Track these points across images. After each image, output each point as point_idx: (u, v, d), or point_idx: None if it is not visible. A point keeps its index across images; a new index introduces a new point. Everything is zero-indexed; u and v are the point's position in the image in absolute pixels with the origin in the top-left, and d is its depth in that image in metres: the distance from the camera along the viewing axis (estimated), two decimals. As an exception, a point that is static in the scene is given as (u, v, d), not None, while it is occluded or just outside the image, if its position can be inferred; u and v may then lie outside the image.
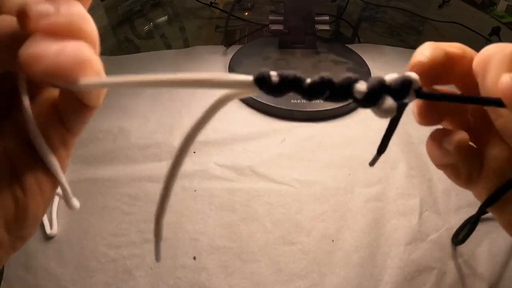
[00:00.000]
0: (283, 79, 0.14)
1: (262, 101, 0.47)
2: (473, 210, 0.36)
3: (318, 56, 0.56)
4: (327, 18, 0.57)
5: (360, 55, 0.57)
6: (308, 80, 0.14)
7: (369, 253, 0.33)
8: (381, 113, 0.14)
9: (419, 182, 0.39)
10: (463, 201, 0.37)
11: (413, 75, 0.14)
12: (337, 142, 0.44)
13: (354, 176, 0.39)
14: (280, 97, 0.14)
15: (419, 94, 0.14)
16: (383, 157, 0.44)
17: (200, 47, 0.62)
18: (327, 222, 0.35)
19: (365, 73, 0.53)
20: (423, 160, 0.42)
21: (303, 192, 0.38)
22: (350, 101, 0.15)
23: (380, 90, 0.14)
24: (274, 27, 0.57)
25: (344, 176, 0.39)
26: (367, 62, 0.55)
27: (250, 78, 0.14)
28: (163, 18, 0.74)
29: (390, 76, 0.15)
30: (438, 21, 0.71)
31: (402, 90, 0.14)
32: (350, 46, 0.60)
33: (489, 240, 0.34)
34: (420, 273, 0.32)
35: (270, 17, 0.57)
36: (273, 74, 0.14)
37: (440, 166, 0.21)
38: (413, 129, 0.46)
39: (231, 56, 0.56)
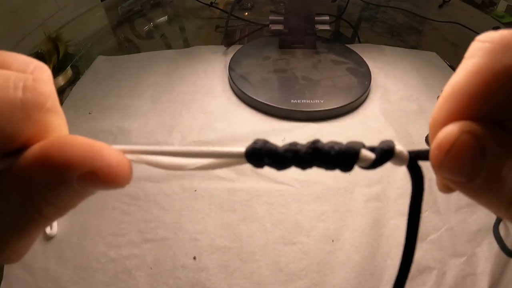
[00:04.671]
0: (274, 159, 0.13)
1: (262, 101, 0.47)
2: (473, 210, 0.36)
3: (318, 56, 0.56)
4: (327, 18, 0.57)
5: (360, 55, 0.57)
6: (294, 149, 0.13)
7: (369, 253, 0.33)
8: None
9: (419, 182, 0.39)
10: (463, 201, 0.37)
11: (398, 148, 0.13)
12: (337, 142, 0.44)
13: (354, 176, 0.39)
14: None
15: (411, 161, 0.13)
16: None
17: (200, 47, 0.62)
18: (327, 222, 0.35)
19: (365, 73, 0.53)
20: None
21: (303, 192, 0.38)
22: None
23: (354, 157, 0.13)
24: (274, 27, 0.57)
25: (344, 176, 0.39)
26: (367, 62, 0.55)
27: (242, 152, 0.13)
28: (163, 18, 0.74)
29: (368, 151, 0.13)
30: (438, 21, 0.71)
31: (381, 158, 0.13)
32: (350, 46, 0.60)
33: (489, 240, 0.34)
34: (420, 273, 0.32)
35: (270, 17, 0.57)
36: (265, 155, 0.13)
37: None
38: (413, 129, 0.46)
39: (231, 56, 0.56)
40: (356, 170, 0.13)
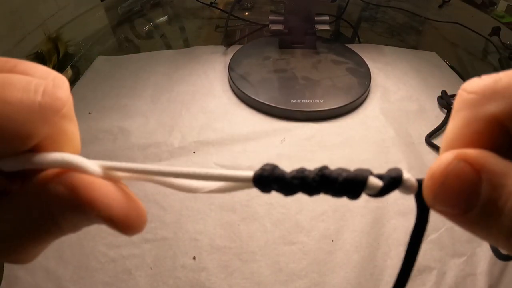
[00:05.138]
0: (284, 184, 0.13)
1: (262, 101, 0.47)
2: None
3: (318, 56, 0.56)
4: (327, 18, 0.57)
5: (360, 55, 0.57)
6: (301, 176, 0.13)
7: (369, 253, 0.33)
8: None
9: (419, 182, 0.39)
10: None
11: (406, 176, 0.13)
12: (337, 142, 0.44)
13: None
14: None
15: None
16: (383, 157, 0.44)
17: (200, 47, 0.62)
18: (327, 222, 0.35)
19: (365, 73, 0.53)
20: (423, 160, 0.42)
21: (303, 192, 0.38)
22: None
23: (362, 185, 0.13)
24: (274, 27, 0.57)
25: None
26: (367, 62, 0.55)
27: (250, 177, 0.13)
28: (163, 18, 0.75)
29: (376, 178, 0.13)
30: (438, 21, 0.71)
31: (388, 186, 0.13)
32: (350, 46, 0.60)
33: (489, 240, 0.34)
34: (420, 273, 0.32)
35: (270, 17, 0.57)
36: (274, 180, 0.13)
37: None
38: (413, 129, 0.46)
39: (231, 56, 0.56)
40: None
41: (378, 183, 0.13)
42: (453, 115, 0.13)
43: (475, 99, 0.12)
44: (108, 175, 0.13)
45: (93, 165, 0.13)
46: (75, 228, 0.13)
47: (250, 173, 0.13)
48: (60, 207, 0.12)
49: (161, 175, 0.13)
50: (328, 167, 0.13)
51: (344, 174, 0.13)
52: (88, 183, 0.12)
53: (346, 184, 0.13)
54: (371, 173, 0.13)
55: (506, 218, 0.11)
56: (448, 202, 0.12)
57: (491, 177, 0.11)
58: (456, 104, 0.13)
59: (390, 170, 0.13)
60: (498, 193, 0.11)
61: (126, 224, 0.12)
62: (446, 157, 0.12)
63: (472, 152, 0.12)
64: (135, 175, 0.13)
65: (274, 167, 0.13)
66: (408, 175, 0.13)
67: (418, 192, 0.13)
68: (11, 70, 0.12)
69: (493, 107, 0.11)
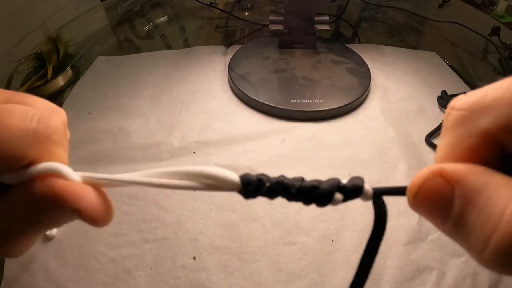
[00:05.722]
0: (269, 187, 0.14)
1: (262, 101, 0.47)
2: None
3: (318, 56, 0.56)
4: (327, 18, 0.57)
5: (360, 55, 0.57)
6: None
7: (369, 253, 0.33)
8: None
9: (419, 182, 0.39)
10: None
11: (365, 186, 0.15)
12: (337, 142, 0.44)
13: (354, 176, 0.39)
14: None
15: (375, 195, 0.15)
16: (383, 157, 0.44)
17: (200, 47, 0.62)
18: (327, 222, 0.35)
19: (365, 73, 0.53)
20: (423, 160, 0.42)
21: (303, 192, 0.38)
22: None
23: (334, 190, 0.15)
24: (274, 27, 0.57)
25: (344, 176, 0.39)
26: (367, 62, 0.55)
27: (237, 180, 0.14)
28: (163, 18, 0.75)
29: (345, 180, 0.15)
30: (438, 21, 0.71)
31: (352, 191, 0.15)
32: (350, 46, 0.60)
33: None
34: (420, 273, 0.32)
35: (270, 17, 0.57)
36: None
37: None
38: (413, 129, 0.46)
39: (231, 56, 0.56)
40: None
41: (339, 197, 0.15)
42: (443, 133, 0.13)
43: (465, 115, 0.12)
44: (87, 181, 0.15)
45: (73, 173, 0.15)
46: (54, 223, 0.15)
47: (236, 179, 0.14)
48: (44, 206, 0.14)
49: (133, 184, 0.15)
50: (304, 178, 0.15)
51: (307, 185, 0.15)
52: (64, 184, 0.14)
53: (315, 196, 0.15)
54: (339, 183, 0.15)
55: (476, 237, 0.11)
56: (425, 214, 0.13)
57: (465, 193, 0.11)
58: (446, 122, 0.13)
59: (353, 179, 0.15)
60: (469, 210, 0.11)
61: (93, 217, 0.15)
62: (424, 172, 0.12)
63: (449, 167, 0.12)
64: (111, 182, 0.15)
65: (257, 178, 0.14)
66: (367, 186, 0.15)
67: (375, 199, 0.15)
68: (18, 102, 0.15)
69: (484, 122, 0.12)
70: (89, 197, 0.15)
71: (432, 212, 0.12)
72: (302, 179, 0.15)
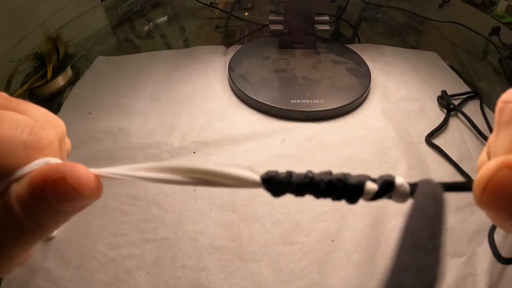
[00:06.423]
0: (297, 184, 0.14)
1: (262, 101, 0.47)
2: (473, 210, 0.36)
3: (318, 56, 0.56)
4: (327, 18, 0.57)
5: (360, 55, 0.57)
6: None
7: (369, 253, 0.33)
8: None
9: (419, 182, 0.39)
10: (463, 201, 0.37)
11: (398, 180, 0.15)
12: (337, 142, 0.44)
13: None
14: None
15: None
16: (383, 157, 0.44)
17: (200, 47, 0.62)
18: (327, 222, 0.35)
19: (365, 73, 0.53)
20: (423, 160, 0.42)
21: (303, 192, 0.38)
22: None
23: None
24: (274, 27, 0.57)
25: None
26: (367, 62, 0.55)
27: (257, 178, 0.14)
28: (163, 18, 0.75)
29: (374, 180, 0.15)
30: (438, 21, 0.71)
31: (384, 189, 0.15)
32: (350, 46, 0.60)
33: (489, 240, 0.34)
34: (420, 273, 0.32)
35: (270, 17, 0.57)
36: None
37: None
38: (413, 129, 0.46)
39: (231, 56, 0.56)
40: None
41: (373, 187, 0.14)
42: (501, 127, 0.13)
43: None
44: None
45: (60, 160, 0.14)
46: (40, 228, 0.13)
47: (257, 177, 0.14)
48: (28, 197, 0.12)
49: (148, 181, 0.14)
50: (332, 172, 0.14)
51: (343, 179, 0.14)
52: (49, 165, 0.13)
53: (347, 191, 0.14)
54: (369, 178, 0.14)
55: None
56: (493, 208, 0.12)
57: None
58: (503, 116, 0.13)
59: (384, 176, 0.15)
60: None
61: (78, 180, 0.13)
62: (491, 164, 0.12)
63: None
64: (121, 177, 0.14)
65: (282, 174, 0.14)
66: (401, 180, 0.14)
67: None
68: (13, 109, 0.14)
69: None
70: (77, 166, 0.13)
71: (503, 205, 0.11)
72: (330, 173, 0.14)
